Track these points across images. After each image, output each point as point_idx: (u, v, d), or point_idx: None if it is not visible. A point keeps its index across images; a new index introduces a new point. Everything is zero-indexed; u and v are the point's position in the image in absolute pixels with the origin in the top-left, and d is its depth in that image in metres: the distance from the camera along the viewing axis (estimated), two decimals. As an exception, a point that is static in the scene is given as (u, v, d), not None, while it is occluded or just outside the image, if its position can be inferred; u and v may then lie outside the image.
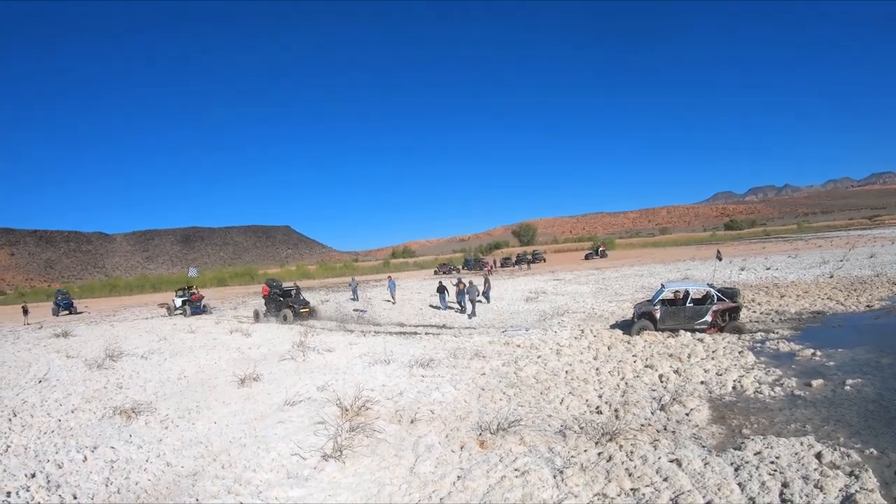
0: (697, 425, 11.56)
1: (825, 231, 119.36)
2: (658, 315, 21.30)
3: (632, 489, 8.84)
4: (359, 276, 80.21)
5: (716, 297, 20.83)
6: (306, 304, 35.74)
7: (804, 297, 27.80)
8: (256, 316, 37.05)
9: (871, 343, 16.89)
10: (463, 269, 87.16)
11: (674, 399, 13.01)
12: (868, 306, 23.84)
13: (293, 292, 37.36)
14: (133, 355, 24.14)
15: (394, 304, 41.50)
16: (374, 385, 16.21)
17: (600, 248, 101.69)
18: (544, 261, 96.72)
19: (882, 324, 20.43)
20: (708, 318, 20.67)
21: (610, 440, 10.64)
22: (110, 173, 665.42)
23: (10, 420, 15.11)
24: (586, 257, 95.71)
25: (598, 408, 13.21)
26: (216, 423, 13.84)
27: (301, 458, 10.98)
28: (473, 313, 31.66)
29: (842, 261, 43.79)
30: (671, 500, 8.38)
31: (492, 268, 75.67)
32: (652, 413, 12.57)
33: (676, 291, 22.80)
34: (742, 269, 45.04)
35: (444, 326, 28.57)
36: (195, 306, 43.27)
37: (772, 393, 13.17)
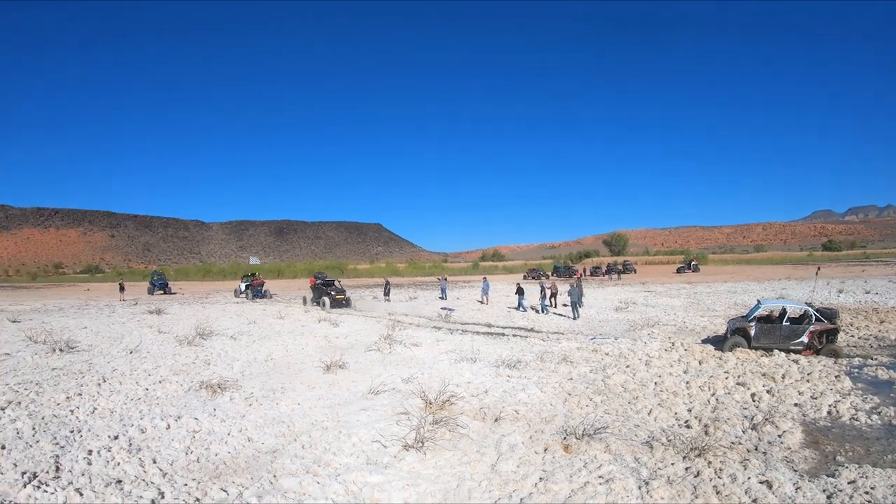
0: (790, 448, 11.15)
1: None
2: (752, 332, 20.68)
3: (719, 507, 8.63)
4: (448, 277, 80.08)
5: (814, 317, 20.06)
6: (342, 291, 41.81)
7: None
8: (304, 301, 43.45)
9: None
10: (552, 275, 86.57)
11: (766, 419, 12.53)
12: None
13: (334, 283, 43.38)
14: (222, 335, 25.11)
15: (486, 304, 42.45)
16: (460, 381, 16.28)
17: (693, 263, 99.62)
18: (635, 272, 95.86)
19: None
20: (804, 338, 19.91)
21: (698, 455, 10.37)
22: (210, 164, 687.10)
23: (98, 385, 15.89)
24: (678, 271, 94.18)
25: (686, 422, 12.91)
26: (299, 405, 14.17)
27: (382, 445, 11.13)
28: (577, 315, 32.69)
29: None
30: (760, 522, 8.13)
31: (581, 275, 74.47)
32: (743, 432, 12.18)
33: (773, 309, 22.12)
34: (840, 292, 43.33)
35: (531, 330, 28.35)
36: (256, 290, 47.80)
37: (868, 421, 12.58)
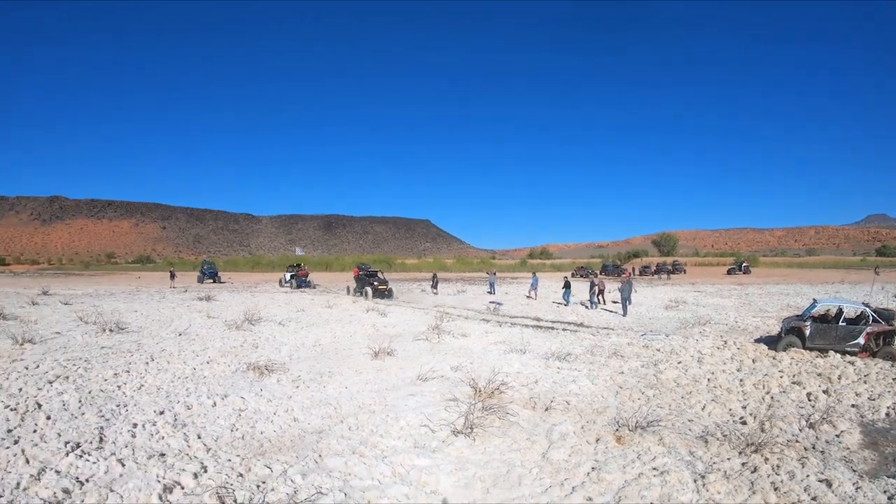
0: (848, 448, 10.88)
1: None
2: (807, 332, 20.15)
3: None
4: (497, 273, 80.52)
5: (871, 317, 19.48)
6: (385, 282, 42.18)
7: None
8: (348, 291, 44.64)
9: None
10: (601, 274, 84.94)
11: (823, 418, 12.25)
12: None
13: (377, 274, 43.91)
14: (271, 321, 25.48)
15: (534, 299, 42.72)
16: (509, 371, 16.20)
17: (744, 264, 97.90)
18: (684, 272, 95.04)
19: None
20: (861, 340, 19.26)
21: (755, 451, 10.15)
22: (259, 161, 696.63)
23: (146, 364, 16.26)
24: (728, 272, 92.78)
25: (741, 418, 12.66)
26: (346, 389, 14.29)
27: (430, 430, 11.13)
28: (626, 312, 32.79)
29: None
30: (820, 520, 7.95)
31: (630, 275, 75.34)
32: (799, 430, 11.90)
33: (829, 308, 21.61)
34: (864, 301, 41.87)
35: (581, 325, 28.04)
36: (301, 280, 48.16)
37: None
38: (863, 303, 21.51)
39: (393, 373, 16.00)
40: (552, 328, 26.48)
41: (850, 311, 20.68)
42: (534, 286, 45.04)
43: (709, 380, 16.03)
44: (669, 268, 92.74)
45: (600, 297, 38.22)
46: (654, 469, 9.39)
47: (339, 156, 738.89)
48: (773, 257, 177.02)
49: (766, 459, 9.92)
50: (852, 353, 19.31)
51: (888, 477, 9.35)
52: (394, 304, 36.82)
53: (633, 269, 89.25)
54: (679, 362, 18.34)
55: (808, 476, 9.24)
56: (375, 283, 41.48)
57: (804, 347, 19.97)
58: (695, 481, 8.96)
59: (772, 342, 21.54)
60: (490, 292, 48.62)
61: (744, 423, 12.33)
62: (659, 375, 16.36)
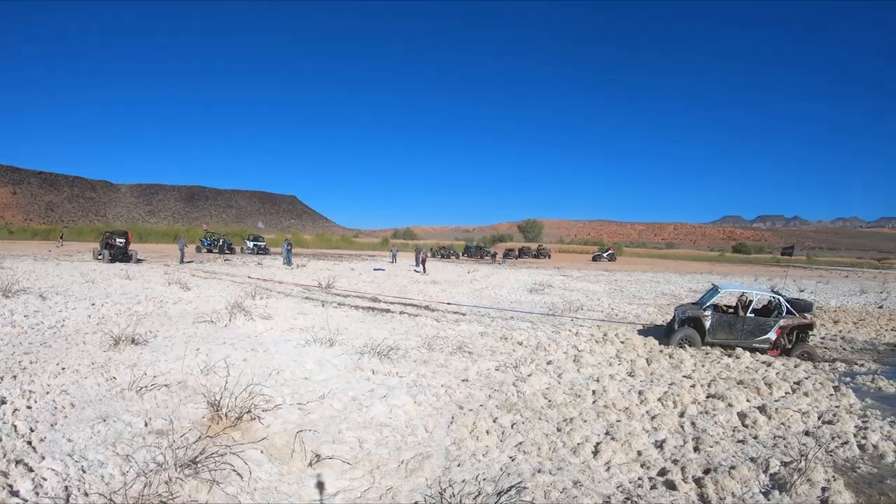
0: None
1: (836, 266, 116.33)
2: (708, 323, 16.55)
3: None
4: (357, 252, 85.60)
5: (784, 308, 16.50)
6: (126, 245, 41.45)
7: (862, 325, 24.08)
8: (94, 254, 42.52)
9: None
10: (463, 255, 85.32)
11: (788, 465, 7.58)
12: None
13: (122, 237, 42.75)
14: (32, 293, 19.31)
15: (394, 264, 53.51)
16: (293, 376, 10.68)
17: (609, 251, 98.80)
18: (549, 257, 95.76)
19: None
20: (772, 335, 16.22)
21: None
22: (119, 120, 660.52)
23: None
24: (594, 259, 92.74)
25: (663, 471, 7.46)
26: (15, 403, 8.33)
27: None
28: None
29: (882, 292, 40.81)
30: None
31: (497, 254, 78.96)
32: (764, 494, 6.96)
33: (742, 296, 18.18)
34: (773, 288, 39.99)
35: (425, 307, 23.07)
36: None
37: None
38: (773, 290, 18.61)
39: (114, 373, 10.13)
40: (388, 311, 21.31)
41: (759, 300, 17.78)
42: (394, 256, 57.85)
43: (595, 393, 11.11)
44: (534, 252, 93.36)
45: (423, 265, 45.92)
46: None
47: (204, 125, 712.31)
48: (636, 248, 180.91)
49: None
50: (760, 351, 16.45)
51: None
52: (211, 277, 31.23)
53: (496, 254, 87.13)
54: (549, 362, 13.62)
55: None
56: (118, 245, 40.88)
57: (703, 342, 16.67)
58: None
59: (659, 334, 17.95)
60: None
61: (670, 484, 7.10)
62: (521, 385, 11.24)
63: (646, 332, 18.90)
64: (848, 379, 13.92)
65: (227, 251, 59.86)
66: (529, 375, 11.94)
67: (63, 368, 10.18)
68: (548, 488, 6.54)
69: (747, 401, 11.07)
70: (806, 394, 11.85)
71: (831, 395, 11.95)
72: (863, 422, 10.15)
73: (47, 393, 8.66)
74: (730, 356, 15.46)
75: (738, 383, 12.45)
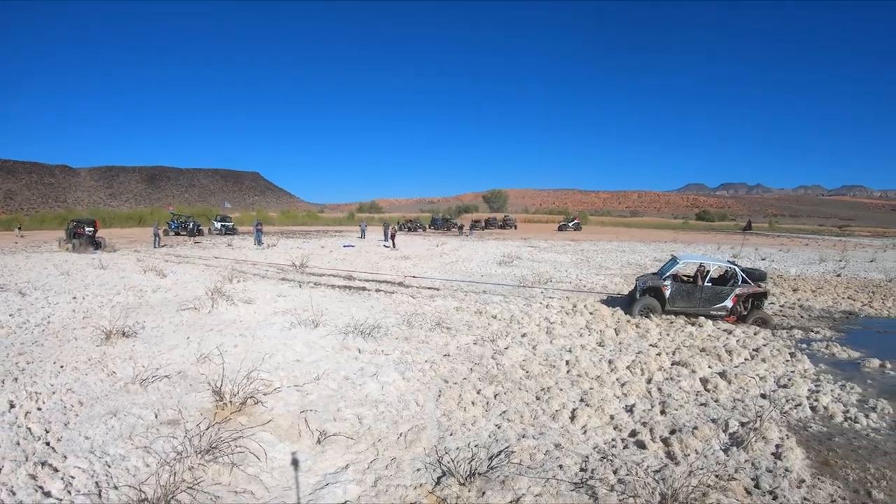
0: (803, 480, 6.98)
1: (797, 233, 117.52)
2: (667, 293, 17.33)
3: None
4: (324, 227, 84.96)
5: (740, 277, 17.21)
6: (94, 233, 40.57)
7: (820, 293, 24.42)
8: (59, 243, 41.80)
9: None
10: (430, 227, 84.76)
11: (745, 426, 8.44)
12: None
13: (91, 225, 41.82)
14: (8, 290, 18.99)
15: (363, 240, 54.34)
16: (285, 359, 11.16)
17: (574, 221, 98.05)
18: (515, 227, 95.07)
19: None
20: (728, 302, 17.03)
21: None
22: (77, 105, 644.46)
23: None
24: (560, 228, 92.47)
25: (633, 433, 8.30)
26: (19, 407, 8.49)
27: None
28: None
29: (841, 261, 41.36)
30: None
31: (464, 225, 79.64)
32: (724, 450, 7.80)
33: (700, 266, 18.54)
34: (735, 256, 41.13)
35: (400, 284, 23.55)
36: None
37: (869, 422, 9.16)
38: (729, 260, 19.22)
39: (113, 368, 10.40)
40: (364, 289, 21.77)
41: (716, 270, 18.53)
42: (363, 231, 59.40)
43: (568, 363, 11.86)
44: (500, 223, 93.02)
45: (392, 240, 46.52)
46: None
47: (163, 103, 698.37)
48: (600, 217, 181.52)
49: None
50: (718, 318, 17.30)
51: None
52: (185, 262, 30.96)
53: (463, 225, 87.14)
54: (524, 335, 14.27)
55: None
56: (84, 237, 39.54)
57: (664, 311, 17.46)
58: None
59: (624, 303, 18.63)
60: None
61: (640, 443, 7.91)
62: (499, 358, 11.96)
63: (610, 301, 19.51)
64: (804, 346, 14.57)
65: (196, 234, 58.19)
66: (506, 348, 12.60)
67: (61, 367, 10.36)
68: (532, 451, 7.30)
69: (709, 367, 11.88)
70: (764, 360, 12.61)
71: (787, 361, 12.72)
72: (816, 386, 10.96)
73: (53, 393, 8.88)
74: (693, 325, 16.24)
75: (700, 351, 13.21)
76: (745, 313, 17.10)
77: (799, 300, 22.22)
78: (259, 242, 45.34)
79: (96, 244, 40.41)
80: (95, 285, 20.49)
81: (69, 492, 6.00)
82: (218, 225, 63.40)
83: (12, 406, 8.24)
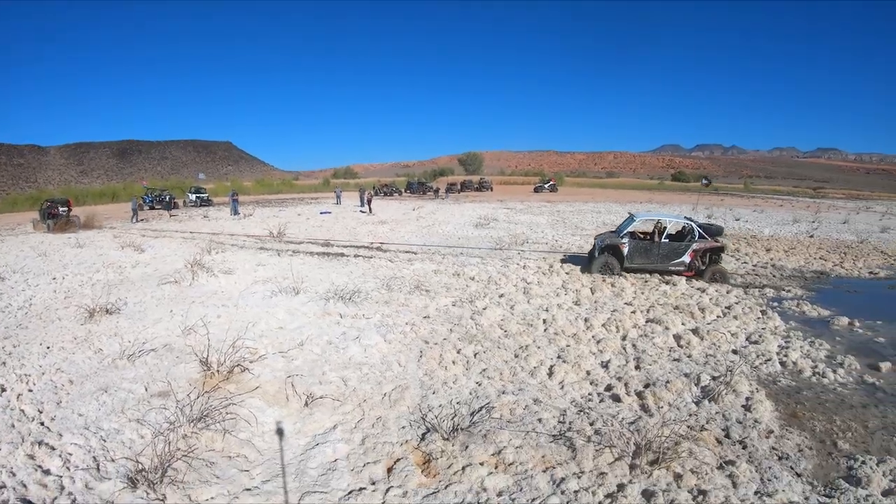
0: (771, 431, 7.38)
1: (772, 194, 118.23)
2: (626, 250, 17.88)
3: None
4: (299, 195, 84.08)
5: (697, 233, 17.69)
6: (67, 212, 39.54)
7: (792, 253, 24.82)
8: (34, 225, 40.49)
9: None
10: (406, 191, 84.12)
11: (716, 379, 8.83)
12: (871, 273, 20.74)
13: (64, 205, 41.41)
14: None
15: (339, 206, 53.79)
16: (268, 327, 11.37)
17: (550, 182, 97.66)
18: (491, 190, 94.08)
19: (903, 296, 17.43)
20: (686, 258, 17.60)
21: (654, 463, 6.20)
22: (45, 83, 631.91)
23: None
24: (535, 190, 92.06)
25: (609, 388, 8.65)
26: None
27: (97, 477, 6.03)
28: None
29: (814, 222, 41.49)
30: None
31: (439, 189, 79.33)
32: (696, 403, 8.16)
33: (657, 223, 19.08)
34: (709, 217, 41.63)
35: (378, 249, 23.77)
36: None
37: (837, 377, 9.55)
38: (686, 217, 19.33)
39: (99, 345, 10.47)
40: (342, 255, 21.96)
41: (673, 227, 19.14)
42: (338, 197, 59.85)
43: (545, 321, 12.24)
44: (476, 185, 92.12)
45: (369, 205, 46.81)
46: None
47: (132, 76, 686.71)
48: (577, 178, 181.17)
49: (678, 477, 6.09)
50: (677, 273, 17.88)
51: (847, 482, 6.25)
52: (162, 236, 30.68)
53: (439, 189, 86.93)
54: (501, 295, 14.61)
55: (747, 504, 5.56)
56: (62, 213, 39.10)
57: (622, 268, 17.95)
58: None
59: (585, 263, 19.20)
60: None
61: (615, 397, 8.27)
62: (478, 318, 12.26)
63: (571, 259, 20.22)
64: (775, 304, 14.90)
65: (172, 207, 56.62)
66: (485, 309, 12.90)
67: (48, 348, 10.38)
68: (512, 406, 7.64)
69: (682, 324, 12.25)
70: (736, 317, 13.00)
71: (759, 318, 13.09)
72: (785, 342, 11.32)
73: (43, 374, 8.93)
74: (667, 284, 16.56)
75: (674, 308, 13.58)
76: (703, 268, 17.50)
77: (771, 260, 22.58)
78: (235, 213, 45.11)
79: (72, 223, 40.11)
80: (74, 264, 20.21)
81: (68, 468, 6.14)
82: (193, 197, 62.81)
83: (3, 390, 8.29)
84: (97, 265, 19.58)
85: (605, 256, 17.79)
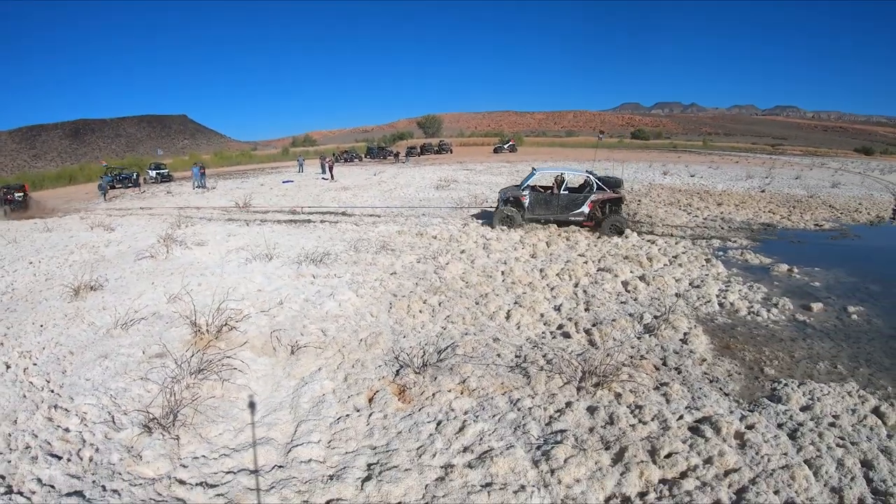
0: (704, 359, 8.37)
1: (730, 151, 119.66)
2: (526, 202, 19.18)
3: (664, 482, 5.43)
4: (259, 166, 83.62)
5: (595, 185, 18.79)
6: (24, 198, 39.12)
7: (743, 207, 26.09)
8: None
9: (845, 266, 14.84)
10: (366, 157, 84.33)
11: (658, 318, 9.82)
12: (817, 225, 21.83)
13: (19, 190, 40.33)
14: None
15: (301, 174, 54.55)
16: (248, 291, 12.08)
17: (510, 143, 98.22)
18: (451, 152, 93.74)
19: (844, 245, 18.50)
20: (585, 208, 18.70)
21: (598, 385, 7.14)
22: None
23: None
24: (495, 150, 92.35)
25: (560, 327, 9.69)
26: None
27: (112, 426, 6.74)
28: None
29: (767, 178, 42.87)
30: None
31: (399, 153, 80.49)
32: (638, 338, 9.17)
33: (558, 176, 20.22)
34: (665, 174, 43.47)
35: (343, 214, 24.49)
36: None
37: (770, 316, 10.51)
38: (587, 171, 20.29)
39: (93, 318, 10.95)
40: (309, 221, 22.68)
41: (572, 180, 19.94)
42: (300, 165, 60.28)
43: (503, 273, 13.25)
44: (435, 148, 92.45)
45: (330, 172, 46.42)
46: (468, 451, 5.93)
47: (81, 52, 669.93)
48: (536, 137, 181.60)
49: (619, 396, 7.03)
50: (577, 223, 19.02)
51: (771, 401, 7.15)
52: (129, 214, 30.90)
53: (398, 153, 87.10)
54: (462, 252, 15.53)
55: (681, 418, 6.53)
56: (17, 199, 38.55)
57: (524, 219, 19.15)
58: (536, 465, 5.63)
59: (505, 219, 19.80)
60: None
61: (566, 334, 9.32)
62: (441, 273, 13.19)
63: (479, 215, 21.77)
64: (720, 253, 15.91)
65: (136, 184, 56.16)
66: (447, 264, 13.80)
67: (41, 326, 10.70)
68: (474, 345, 8.61)
69: (631, 272, 13.22)
70: (681, 265, 13.97)
71: (703, 266, 14.04)
72: (726, 286, 12.22)
73: (43, 349, 9.28)
74: (620, 237, 17.44)
75: (624, 258, 14.49)
76: (602, 218, 18.44)
77: (721, 213, 23.59)
78: (202, 186, 45.14)
79: (29, 208, 39.71)
80: (47, 248, 20.18)
81: (86, 424, 6.72)
82: (153, 173, 62.60)
83: (8, 367, 8.62)
84: (70, 247, 19.65)
85: (507, 208, 18.98)
